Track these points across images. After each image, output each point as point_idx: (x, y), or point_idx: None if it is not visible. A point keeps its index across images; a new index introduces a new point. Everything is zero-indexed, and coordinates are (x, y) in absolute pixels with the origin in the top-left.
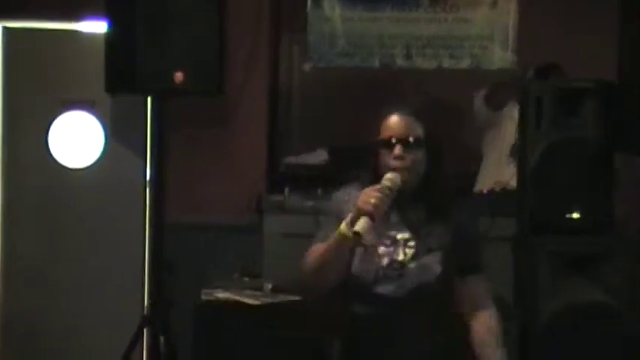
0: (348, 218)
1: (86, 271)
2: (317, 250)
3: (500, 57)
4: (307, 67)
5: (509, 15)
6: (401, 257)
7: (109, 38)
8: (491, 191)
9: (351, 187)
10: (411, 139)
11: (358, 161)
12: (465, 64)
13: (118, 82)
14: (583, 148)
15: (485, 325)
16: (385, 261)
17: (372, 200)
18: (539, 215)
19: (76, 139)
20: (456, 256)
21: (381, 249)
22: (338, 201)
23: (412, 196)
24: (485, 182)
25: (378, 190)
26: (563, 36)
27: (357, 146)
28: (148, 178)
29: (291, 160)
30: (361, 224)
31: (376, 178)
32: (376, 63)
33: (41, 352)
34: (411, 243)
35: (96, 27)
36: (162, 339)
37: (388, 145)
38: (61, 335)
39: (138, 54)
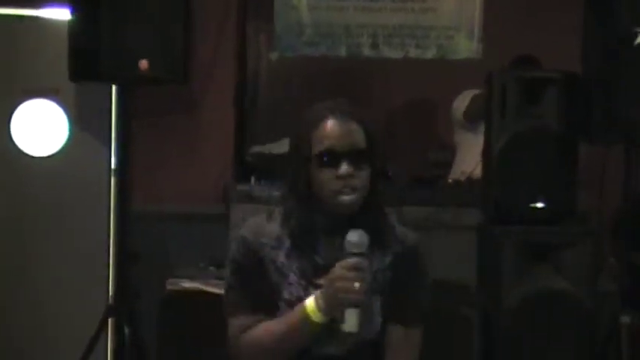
0: (320, 303)
1: (50, 260)
2: (263, 335)
3: (466, 47)
4: (274, 56)
5: (475, 5)
6: None
7: (73, 25)
8: (456, 181)
9: (259, 225)
10: (355, 151)
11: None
12: (430, 53)
13: (82, 70)
14: (547, 138)
15: None
16: None
17: (357, 286)
18: (504, 205)
19: (40, 127)
20: (395, 301)
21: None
22: (252, 248)
23: (349, 222)
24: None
25: (354, 268)
26: (528, 26)
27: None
28: (112, 166)
29: (258, 149)
30: (353, 321)
31: (308, 208)
32: (343, 52)
33: (4, 341)
34: None
35: (59, 13)
36: (127, 329)
37: (328, 160)
38: (24, 324)
39: (102, 41)
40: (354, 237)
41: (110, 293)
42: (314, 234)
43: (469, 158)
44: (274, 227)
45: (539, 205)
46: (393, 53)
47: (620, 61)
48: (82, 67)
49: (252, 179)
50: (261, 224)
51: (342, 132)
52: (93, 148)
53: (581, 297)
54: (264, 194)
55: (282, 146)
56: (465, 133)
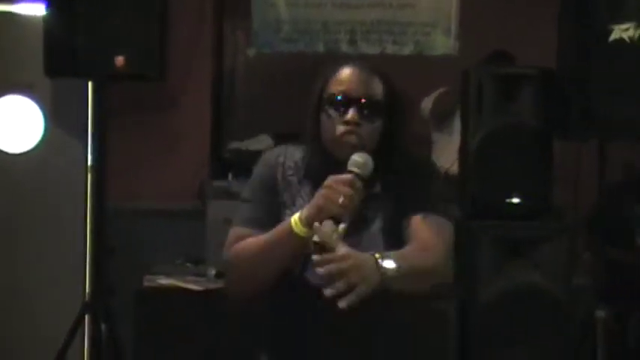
0: (303, 212)
1: (26, 256)
2: (251, 244)
3: (443, 43)
4: (251, 52)
5: (452, 1)
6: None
7: (48, 21)
8: None
9: (285, 147)
10: (368, 101)
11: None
12: (408, 50)
13: (58, 66)
14: (523, 134)
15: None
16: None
17: (341, 199)
18: (480, 200)
19: (15, 123)
20: (404, 202)
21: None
22: (269, 164)
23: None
24: None
25: (348, 184)
26: (505, 23)
27: (301, 132)
28: (89, 163)
29: (235, 145)
30: (325, 232)
31: (319, 148)
32: (321, 48)
33: None
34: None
35: (34, 9)
36: (103, 326)
37: (337, 104)
38: (1, 318)
39: (78, 37)
40: (358, 157)
41: (86, 290)
42: (323, 172)
43: (444, 157)
44: (297, 153)
45: (516, 200)
46: (370, 49)
47: (595, 58)
48: (58, 63)
49: (230, 176)
50: (286, 148)
51: (357, 79)
52: (69, 145)
53: (557, 292)
54: (241, 190)
55: (259, 142)
56: (438, 133)
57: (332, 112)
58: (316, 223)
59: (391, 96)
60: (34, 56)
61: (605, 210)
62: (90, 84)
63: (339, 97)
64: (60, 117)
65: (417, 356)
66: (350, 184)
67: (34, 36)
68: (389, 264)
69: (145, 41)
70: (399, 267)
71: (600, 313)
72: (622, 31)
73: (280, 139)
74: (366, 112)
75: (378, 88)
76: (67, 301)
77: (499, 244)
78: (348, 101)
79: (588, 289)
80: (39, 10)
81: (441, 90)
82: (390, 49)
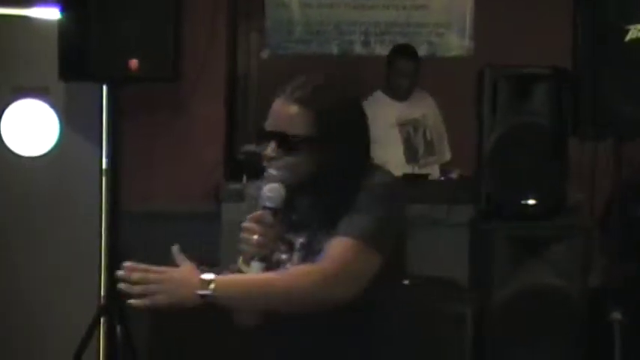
0: (244, 256)
1: (42, 260)
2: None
3: (457, 44)
4: (265, 53)
5: (465, 2)
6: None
7: (62, 24)
8: (448, 178)
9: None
10: (285, 135)
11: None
12: (421, 51)
13: (72, 70)
14: (537, 134)
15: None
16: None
17: (255, 238)
18: (495, 200)
19: (30, 127)
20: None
21: (276, 256)
22: (250, 196)
23: (307, 189)
24: None
25: (258, 220)
26: (519, 23)
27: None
28: (104, 166)
29: (250, 147)
30: (254, 273)
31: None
32: (334, 50)
33: None
34: (309, 250)
35: (49, 13)
36: (119, 328)
37: (260, 138)
38: (16, 324)
39: (92, 40)
40: (266, 190)
41: (102, 293)
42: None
43: None
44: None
45: (531, 201)
46: (384, 50)
47: (610, 57)
48: (72, 67)
49: (244, 178)
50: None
51: (278, 113)
52: (83, 148)
53: (572, 292)
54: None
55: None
56: None
57: (260, 146)
58: (244, 267)
59: (323, 128)
60: (49, 60)
61: (620, 209)
62: (104, 87)
63: (261, 132)
64: (75, 120)
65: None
66: (260, 220)
67: (49, 40)
68: (207, 276)
69: (159, 44)
70: (214, 280)
71: (616, 315)
72: (638, 31)
73: None
74: (284, 145)
75: (301, 121)
76: (83, 304)
77: (514, 245)
78: (268, 135)
79: (604, 289)
80: (54, 14)
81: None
82: None
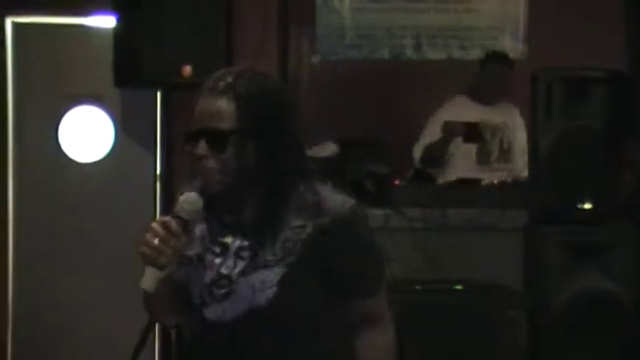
0: (142, 259)
1: (97, 264)
2: None
3: (511, 47)
4: (316, 59)
5: (518, 5)
6: (227, 270)
7: (117, 32)
8: (501, 183)
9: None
10: (216, 132)
11: (368, 153)
12: (474, 54)
13: (127, 77)
14: (593, 137)
15: (370, 340)
16: (210, 276)
17: (155, 242)
18: (550, 205)
19: (86, 133)
20: (336, 278)
21: (209, 259)
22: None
23: (242, 188)
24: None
25: (165, 227)
26: (573, 25)
27: (367, 139)
28: (157, 171)
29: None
30: (147, 279)
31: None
32: (385, 54)
33: (52, 345)
34: (245, 253)
35: (104, 21)
36: (173, 332)
37: (189, 141)
38: (71, 329)
39: (146, 48)
40: (182, 200)
41: None
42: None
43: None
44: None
45: (587, 205)
46: (436, 55)
47: None
48: (127, 74)
49: None
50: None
51: (204, 111)
52: (138, 153)
53: (628, 298)
54: None
55: (325, 149)
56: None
57: (189, 151)
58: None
59: (247, 118)
60: (104, 67)
61: None
62: (158, 93)
63: (187, 135)
64: (129, 126)
65: None
66: (167, 227)
67: (104, 48)
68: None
69: (211, 50)
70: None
71: None
72: None
73: (345, 145)
74: (214, 143)
75: (228, 115)
76: (137, 309)
77: (569, 250)
78: (196, 135)
79: None
80: (109, 23)
81: (433, 140)
82: (457, 54)
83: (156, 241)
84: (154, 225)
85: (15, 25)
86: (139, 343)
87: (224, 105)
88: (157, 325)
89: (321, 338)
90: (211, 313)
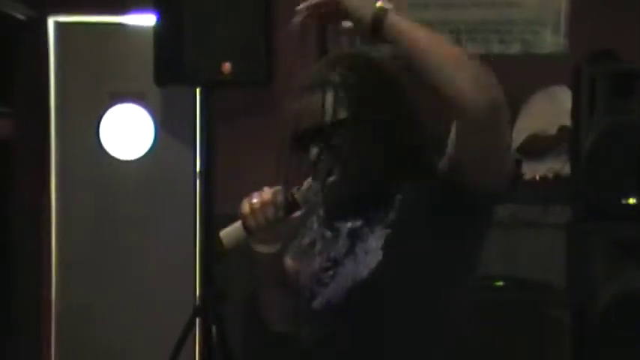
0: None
1: (138, 261)
2: None
3: (552, 41)
4: None
5: None
6: (336, 253)
7: (158, 31)
8: (544, 178)
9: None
10: (327, 125)
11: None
12: (515, 49)
13: (167, 74)
14: (637, 132)
15: None
16: (319, 262)
17: (253, 203)
18: (594, 201)
19: (127, 131)
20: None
21: (319, 245)
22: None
23: (360, 177)
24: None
25: (273, 195)
26: (615, 19)
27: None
28: (198, 169)
29: None
30: (228, 231)
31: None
32: None
33: (96, 342)
34: (357, 234)
35: (144, 20)
36: (214, 329)
37: (296, 148)
38: (114, 326)
39: (186, 46)
40: (307, 183)
41: (197, 294)
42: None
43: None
44: None
45: (632, 200)
46: (476, 49)
47: None
48: (167, 72)
49: None
50: None
51: (302, 110)
52: (178, 151)
53: None
54: None
55: None
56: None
57: (297, 159)
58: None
59: (356, 104)
60: (144, 65)
61: None
62: (198, 91)
63: (293, 141)
64: (169, 124)
65: None
66: (272, 200)
67: (144, 46)
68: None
69: (251, 47)
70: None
71: None
72: None
73: None
74: (324, 140)
75: (328, 108)
76: (179, 306)
77: (614, 247)
78: (305, 138)
79: None
80: (149, 21)
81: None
82: (497, 48)
83: (255, 200)
84: (265, 188)
85: (57, 24)
86: (180, 340)
87: (325, 98)
88: (197, 321)
89: (429, 314)
90: (318, 304)
